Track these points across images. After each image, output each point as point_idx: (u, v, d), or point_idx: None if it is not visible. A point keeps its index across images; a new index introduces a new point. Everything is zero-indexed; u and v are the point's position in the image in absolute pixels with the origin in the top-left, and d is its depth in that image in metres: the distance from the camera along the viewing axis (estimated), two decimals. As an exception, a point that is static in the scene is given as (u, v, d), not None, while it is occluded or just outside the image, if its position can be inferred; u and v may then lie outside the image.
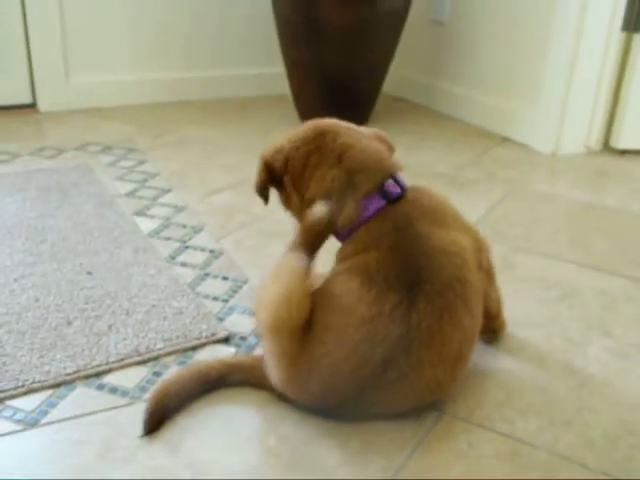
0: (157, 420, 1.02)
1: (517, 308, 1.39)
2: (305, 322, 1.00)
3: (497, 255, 1.58)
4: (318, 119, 1.20)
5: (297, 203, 1.17)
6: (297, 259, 1.05)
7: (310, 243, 1.09)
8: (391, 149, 1.20)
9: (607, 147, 2.41)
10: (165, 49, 2.77)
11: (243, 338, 1.23)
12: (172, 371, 1.14)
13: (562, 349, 1.27)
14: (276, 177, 1.17)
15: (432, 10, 2.78)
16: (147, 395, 1.08)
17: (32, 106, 2.60)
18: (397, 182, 1.10)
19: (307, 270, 1.04)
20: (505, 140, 2.49)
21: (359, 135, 1.15)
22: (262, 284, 1.08)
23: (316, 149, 1.13)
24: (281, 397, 1.07)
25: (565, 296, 1.45)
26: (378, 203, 1.08)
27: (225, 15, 2.82)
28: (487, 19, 2.56)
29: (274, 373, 1.04)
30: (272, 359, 1.03)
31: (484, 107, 2.62)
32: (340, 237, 1.13)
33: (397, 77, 2.84)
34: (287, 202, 1.20)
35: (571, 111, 2.33)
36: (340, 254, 1.12)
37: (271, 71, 2.84)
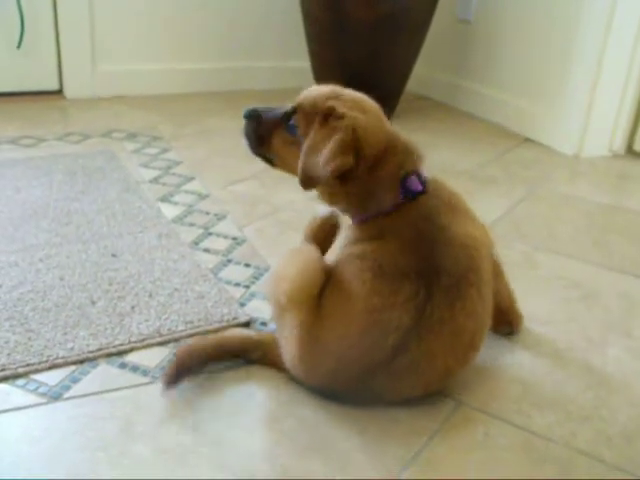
0: (177, 375, 1.05)
1: (537, 306, 1.39)
2: (317, 300, 1.02)
3: (518, 253, 1.59)
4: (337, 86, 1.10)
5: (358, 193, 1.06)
6: (311, 246, 1.08)
7: (318, 241, 1.14)
8: None
9: (631, 150, 2.40)
10: (192, 40, 2.79)
11: (264, 323, 1.25)
12: (193, 352, 1.15)
13: (581, 347, 1.27)
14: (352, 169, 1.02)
15: (458, 9, 2.78)
16: (168, 374, 1.10)
17: (59, 92, 2.63)
18: (419, 177, 1.07)
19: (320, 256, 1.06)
20: (527, 141, 2.48)
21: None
22: (278, 264, 1.09)
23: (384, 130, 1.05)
24: (292, 379, 1.08)
25: (586, 296, 1.45)
26: (398, 199, 1.05)
27: (254, 8, 2.83)
28: (513, 18, 2.56)
29: (288, 351, 1.05)
30: (289, 334, 1.04)
31: (507, 107, 2.61)
32: (355, 220, 1.10)
33: (421, 75, 2.84)
34: (328, 197, 1.10)
35: (595, 113, 2.31)
36: (353, 233, 1.08)
37: (297, 65, 2.85)
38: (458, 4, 2.76)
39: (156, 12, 2.69)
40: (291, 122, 1.06)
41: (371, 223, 1.06)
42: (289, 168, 1.10)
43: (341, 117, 1.00)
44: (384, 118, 1.08)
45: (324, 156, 0.98)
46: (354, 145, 0.99)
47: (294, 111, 1.07)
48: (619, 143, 2.38)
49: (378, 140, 1.03)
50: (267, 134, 1.09)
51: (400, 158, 1.04)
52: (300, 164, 1.01)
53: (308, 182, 1.02)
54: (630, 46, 2.25)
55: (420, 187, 1.06)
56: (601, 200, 1.98)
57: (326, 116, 1.00)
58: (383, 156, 1.03)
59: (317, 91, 1.07)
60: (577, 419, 1.08)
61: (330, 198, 1.10)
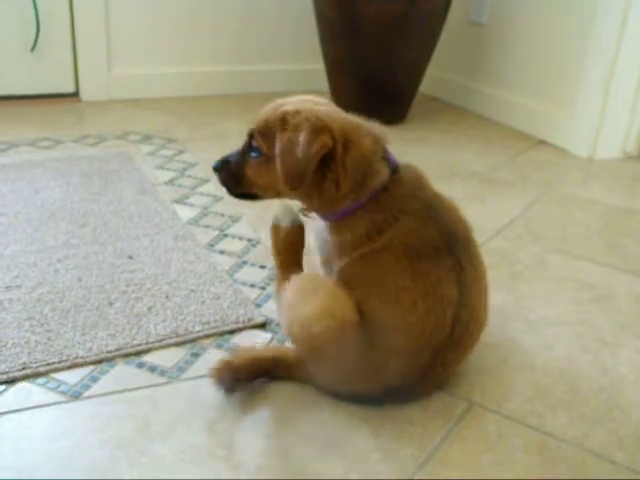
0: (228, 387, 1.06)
1: (549, 307, 1.40)
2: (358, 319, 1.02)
3: (531, 255, 1.60)
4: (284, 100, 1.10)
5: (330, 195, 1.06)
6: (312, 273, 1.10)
7: (289, 257, 1.17)
8: None
9: (644, 153, 2.40)
10: (206, 43, 2.81)
11: (279, 325, 1.26)
12: (210, 353, 1.17)
13: (593, 349, 1.28)
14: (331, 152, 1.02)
15: (471, 11, 2.78)
16: (185, 375, 1.11)
17: (75, 95, 2.66)
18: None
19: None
20: (541, 143, 2.48)
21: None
22: (290, 306, 1.07)
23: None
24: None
25: (598, 298, 1.45)
26: (386, 180, 1.06)
27: (267, 11, 2.85)
28: (526, 21, 2.56)
29: (338, 375, 1.06)
30: (337, 360, 1.03)
31: (520, 109, 2.62)
32: (334, 217, 1.09)
33: (434, 77, 2.85)
34: (318, 194, 1.06)
35: (609, 116, 2.31)
36: (346, 240, 1.07)
37: (310, 67, 2.87)
38: (471, 7, 2.77)
39: (171, 15, 2.71)
40: (253, 148, 1.09)
41: (370, 207, 1.05)
42: (270, 190, 1.11)
43: (297, 113, 1.02)
44: (335, 107, 1.10)
45: (301, 146, 0.99)
46: (323, 127, 1.00)
47: (251, 136, 1.09)
48: (632, 145, 2.38)
49: (341, 121, 1.04)
50: (239, 172, 1.11)
51: (372, 137, 1.06)
52: (280, 168, 1.02)
53: (294, 180, 1.01)
54: (644, 48, 2.25)
55: (397, 162, 1.09)
56: (614, 202, 1.98)
57: (283, 121, 1.02)
58: (353, 135, 1.04)
59: (263, 110, 1.09)
60: (590, 420, 1.09)
61: (320, 196, 1.06)
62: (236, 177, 1.11)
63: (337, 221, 1.09)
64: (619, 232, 1.78)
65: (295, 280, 1.09)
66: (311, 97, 1.11)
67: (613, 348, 1.28)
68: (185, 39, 2.77)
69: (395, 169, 1.07)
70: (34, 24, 2.48)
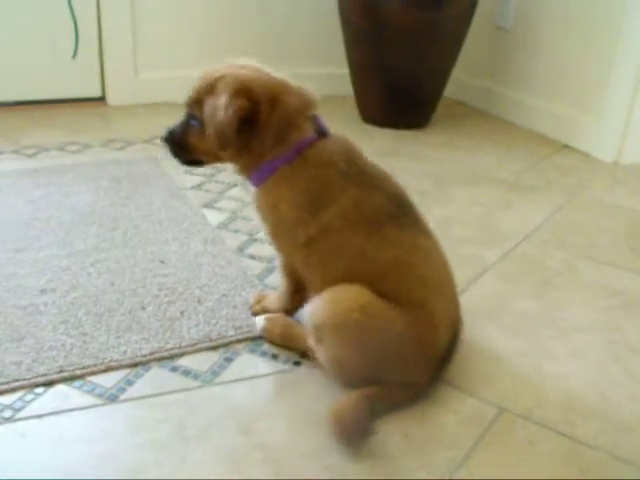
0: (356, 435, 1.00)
1: (579, 314, 1.40)
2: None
3: (559, 261, 1.60)
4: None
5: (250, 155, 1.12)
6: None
7: (294, 336, 1.20)
8: None
9: (670, 158, 2.38)
10: (231, 46, 2.83)
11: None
12: (243, 357, 1.19)
13: (623, 356, 1.28)
14: (252, 113, 1.07)
15: (496, 16, 2.78)
16: (219, 379, 1.13)
17: (101, 99, 2.69)
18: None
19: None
20: (565, 147, 2.48)
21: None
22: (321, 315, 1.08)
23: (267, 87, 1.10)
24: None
25: (627, 304, 1.45)
26: (312, 135, 1.11)
27: (292, 14, 2.86)
28: (551, 26, 2.56)
29: (409, 364, 1.07)
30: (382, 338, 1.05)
31: (545, 114, 2.61)
32: (262, 175, 1.12)
33: (459, 81, 2.84)
34: (247, 152, 1.12)
35: (635, 121, 2.30)
36: (283, 198, 1.11)
37: (334, 71, 2.88)
38: (497, 12, 2.77)
39: (196, 19, 2.74)
40: (191, 116, 1.15)
41: (296, 163, 1.09)
42: (211, 155, 1.17)
43: (222, 79, 1.08)
44: (266, 69, 1.15)
45: (221, 109, 1.05)
46: (242, 89, 1.06)
47: (189, 107, 1.15)
48: (659, 150, 2.37)
49: (265, 81, 1.10)
50: (183, 141, 1.17)
51: (300, 97, 1.11)
52: (207, 131, 1.08)
53: (222, 140, 1.07)
54: (671, 53, 2.23)
55: (327, 127, 1.13)
56: (641, 208, 1.98)
57: (211, 86, 1.09)
58: (280, 94, 1.09)
59: (196, 80, 1.15)
60: (622, 429, 1.09)
61: (248, 155, 1.12)
62: (181, 146, 1.18)
63: (267, 181, 1.12)
64: (646, 238, 1.78)
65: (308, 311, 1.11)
66: (243, 61, 1.16)
67: (644, 356, 1.28)
68: (209, 42, 2.79)
69: (323, 132, 1.12)
70: (72, 30, 2.51)
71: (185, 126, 1.17)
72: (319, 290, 1.10)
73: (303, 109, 1.11)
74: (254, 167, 1.14)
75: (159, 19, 2.67)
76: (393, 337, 1.02)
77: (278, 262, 1.24)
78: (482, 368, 1.21)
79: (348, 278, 1.07)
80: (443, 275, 1.11)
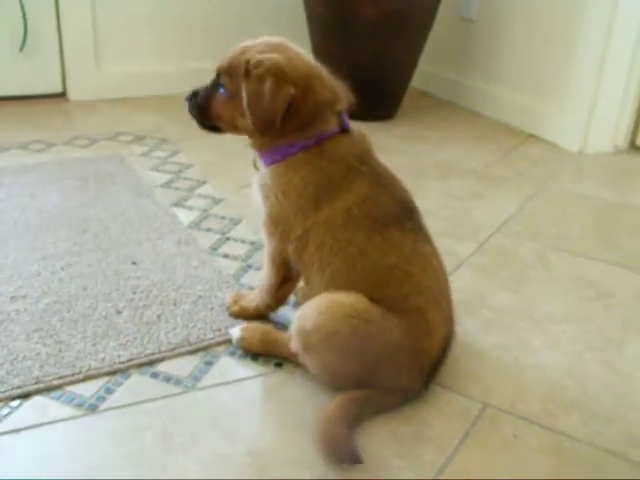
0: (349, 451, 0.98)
1: (554, 306, 1.42)
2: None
3: (531, 252, 1.61)
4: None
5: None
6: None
7: (272, 339, 1.19)
8: None
9: (634, 146, 2.42)
10: (195, 40, 2.79)
11: (285, 327, 1.26)
12: (223, 361, 1.17)
13: (599, 347, 1.29)
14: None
15: (461, 6, 2.79)
16: (201, 384, 1.11)
17: (62, 95, 2.62)
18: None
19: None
20: (531, 137, 2.50)
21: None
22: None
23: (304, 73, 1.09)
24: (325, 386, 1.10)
25: (600, 295, 1.47)
26: (335, 128, 1.11)
27: (257, 6, 2.83)
28: (516, 17, 2.57)
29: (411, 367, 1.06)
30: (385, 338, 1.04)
31: (510, 104, 2.63)
32: (275, 156, 1.13)
33: (424, 72, 2.84)
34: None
35: (599, 110, 2.34)
36: (292, 183, 1.10)
37: (299, 64, 2.85)
38: (461, 2, 2.77)
39: (158, 12, 2.68)
40: (220, 84, 1.14)
41: (313, 153, 1.10)
42: (232, 125, 1.16)
43: (260, 64, 1.07)
44: (300, 52, 1.13)
45: (267, 97, 1.05)
46: (284, 76, 1.06)
47: (218, 75, 1.15)
48: (622, 139, 2.41)
49: (302, 69, 1.08)
50: (207, 104, 1.17)
51: (332, 91, 1.11)
52: (250, 117, 1.08)
53: (264, 127, 1.08)
54: (633, 42, 2.27)
55: (349, 125, 1.13)
56: (608, 197, 2.00)
57: (247, 69, 1.08)
58: (314, 85, 1.08)
59: (231, 51, 1.15)
60: (602, 419, 1.10)
61: (271, 137, 1.11)
62: (204, 110, 1.18)
63: (280, 163, 1.12)
64: (614, 227, 1.81)
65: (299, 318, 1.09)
66: (277, 40, 1.14)
67: (619, 346, 1.30)
68: (173, 36, 2.75)
69: (346, 129, 1.11)
70: (21, 23, 2.44)
71: (211, 91, 1.16)
72: (316, 286, 1.09)
73: (332, 103, 1.10)
74: (269, 146, 1.13)
75: (120, 11, 2.61)
76: (389, 344, 1.02)
77: (266, 252, 1.21)
78: (464, 364, 1.21)
79: (346, 278, 1.06)
80: (441, 283, 1.10)
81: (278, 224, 1.14)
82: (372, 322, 1.02)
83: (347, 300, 1.03)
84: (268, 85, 1.05)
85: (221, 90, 1.14)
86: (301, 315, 1.08)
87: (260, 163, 1.18)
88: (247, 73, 1.07)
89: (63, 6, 2.50)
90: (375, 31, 2.35)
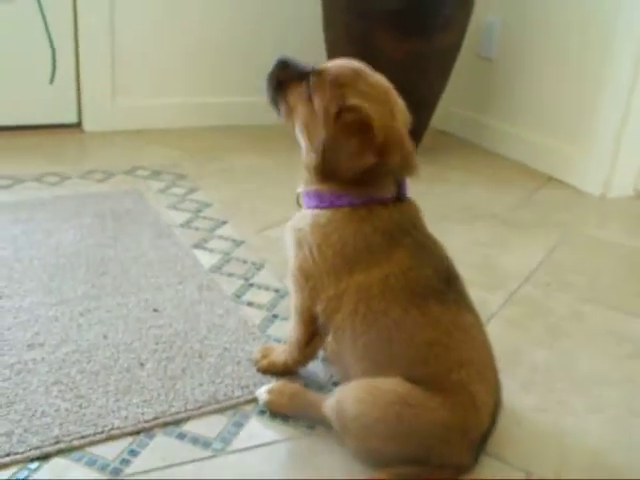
0: None
1: (591, 364, 1.36)
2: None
3: (563, 305, 1.57)
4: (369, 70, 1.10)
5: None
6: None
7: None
8: None
9: (657, 191, 2.39)
10: (211, 74, 2.76)
11: (321, 386, 1.20)
12: (252, 422, 1.11)
13: (643, 410, 1.24)
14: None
15: (480, 45, 2.77)
16: (230, 447, 1.05)
17: (77, 126, 2.59)
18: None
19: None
20: (551, 180, 2.46)
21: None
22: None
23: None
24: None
25: (638, 352, 1.42)
26: (390, 194, 1.05)
27: (276, 43, 2.80)
28: (536, 56, 2.55)
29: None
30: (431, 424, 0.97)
31: (529, 145, 2.60)
32: (319, 202, 1.07)
33: (443, 111, 2.82)
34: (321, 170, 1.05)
35: (623, 153, 2.30)
36: (330, 239, 1.04)
37: (318, 101, 2.83)
38: (480, 41, 2.76)
39: (175, 47, 2.66)
40: (309, 82, 1.07)
41: (359, 214, 1.04)
42: (291, 123, 1.10)
43: (354, 110, 1.00)
44: (397, 105, 1.08)
45: (346, 154, 1.01)
46: (371, 142, 0.99)
47: (315, 74, 1.07)
48: (645, 184, 2.37)
49: (390, 134, 1.02)
50: (286, 82, 1.10)
51: (404, 157, 1.04)
52: (319, 157, 1.02)
53: (327, 175, 1.04)
54: (659, 88, 2.24)
55: (407, 193, 1.08)
56: (637, 244, 1.96)
57: (339, 106, 1.01)
58: (392, 146, 1.02)
59: (341, 66, 1.08)
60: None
61: (321, 172, 1.06)
62: (280, 84, 1.10)
63: (323, 211, 1.06)
64: (646, 278, 1.76)
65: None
66: (382, 83, 1.09)
67: (663, 410, 1.24)
68: (189, 70, 2.72)
69: (401, 198, 1.06)
70: (48, 55, 2.42)
71: (298, 78, 1.08)
72: (348, 355, 1.04)
73: (399, 171, 1.05)
74: (318, 188, 1.07)
75: (138, 45, 2.59)
76: (436, 425, 0.95)
77: (293, 304, 1.14)
78: (503, 426, 1.15)
79: (382, 352, 1.00)
80: (484, 355, 1.04)
81: (309, 279, 1.08)
82: (416, 406, 0.95)
83: (387, 386, 0.97)
84: (354, 143, 0.99)
85: (307, 85, 1.06)
86: (339, 400, 1.01)
87: (302, 202, 1.12)
88: (338, 110, 1.01)
89: (82, 37, 2.47)
90: (398, 71, 2.29)
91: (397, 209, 1.05)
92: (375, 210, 1.04)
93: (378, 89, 1.06)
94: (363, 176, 1.02)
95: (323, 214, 1.06)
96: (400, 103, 1.08)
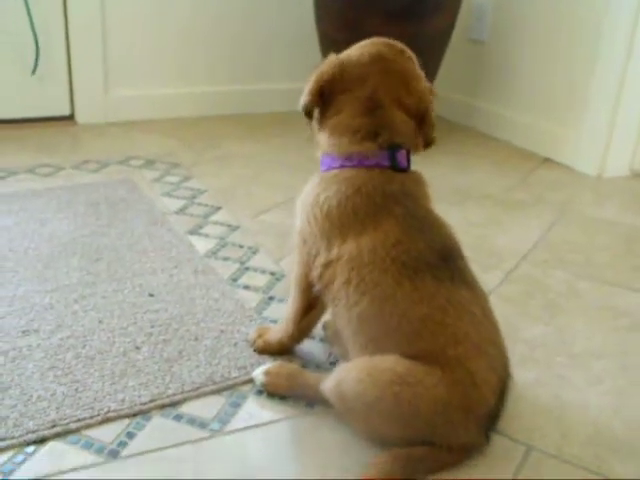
0: None
1: (589, 338, 1.36)
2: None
3: (561, 282, 1.56)
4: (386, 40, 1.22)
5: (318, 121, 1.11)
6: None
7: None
8: None
9: (653, 170, 2.38)
10: (204, 63, 2.75)
11: (318, 366, 1.20)
12: (250, 401, 1.10)
13: (641, 382, 1.23)
14: (325, 93, 1.09)
15: (471, 28, 2.75)
16: (228, 427, 1.04)
17: (70, 118, 2.57)
18: (408, 158, 1.09)
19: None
20: (547, 161, 2.45)
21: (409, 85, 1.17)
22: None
23: (370, 81, 1.12)
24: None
25: (636, 326, 1.41)
26: (382, 161, 1.05)
27: (269, 30, 2.80)
28: (529, 38, 2.54)
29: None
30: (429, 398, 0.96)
31: (524, 127, 2.59)
32: (332, 162, 1.08)
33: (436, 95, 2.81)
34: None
35: (617, 133, 2.29)
36: (330, 202, 1.04)
37: (311, 87, 2.81)
38: (471, 24, 2.74)
39: (167, 36, 2.65)
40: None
41: (346, 172, 1.05)
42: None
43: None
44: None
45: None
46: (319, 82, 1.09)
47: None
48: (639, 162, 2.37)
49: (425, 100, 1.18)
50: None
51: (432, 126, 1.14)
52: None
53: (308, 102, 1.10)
54: (653, 65, 2.23)
55: (405, 163, 1.08)
56: (631, 222, 1.95)
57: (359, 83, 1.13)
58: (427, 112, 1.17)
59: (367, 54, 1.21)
60: (655, 465, 1.04)
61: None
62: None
63: (328, 174, 1.07)
64: (642, 254, 1.76)
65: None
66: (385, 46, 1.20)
67: (662, 382, 1.24)
68: (182, 59, 2.71)
69: (397, 167, 1.06)
70: (32, 47, 2.39)
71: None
72: (344, 327, 1.03)
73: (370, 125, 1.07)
74: (323, 149, 1.10)
75: (130, 35, 2.57)
76: (436, 404, 0.94)
77: (293, 276, 1.15)
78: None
79: (376, 325, 0.99)
80: (484, 331, 1.01)
81: (305, 242, 1.08)
82: (414, 384, 0.93)
83: (386, 364, 0.96)
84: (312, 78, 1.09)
85: None
86: (339, 381, 1.00)
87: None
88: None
89: (73, 29, 2.46)
90: (390, 54, 2.31)
91: (390, 176, 1.04)
92: (362, 173, 1.03)
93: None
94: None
95: (319, 176, 1.08)
96: None
